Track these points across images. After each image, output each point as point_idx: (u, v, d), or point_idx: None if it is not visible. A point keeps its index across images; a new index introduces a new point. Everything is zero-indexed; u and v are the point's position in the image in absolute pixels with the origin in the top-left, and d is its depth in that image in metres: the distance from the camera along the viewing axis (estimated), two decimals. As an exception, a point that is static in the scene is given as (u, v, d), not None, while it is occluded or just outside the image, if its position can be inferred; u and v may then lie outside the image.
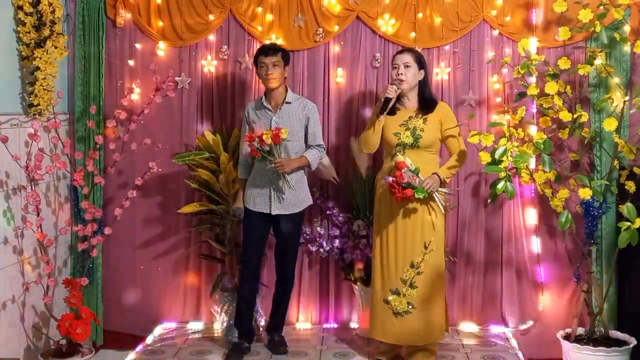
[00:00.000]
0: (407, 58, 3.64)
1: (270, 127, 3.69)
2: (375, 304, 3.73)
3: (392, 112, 3.64)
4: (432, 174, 3.54)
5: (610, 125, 3.69)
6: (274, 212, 3.75)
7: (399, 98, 3.66)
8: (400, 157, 3.57)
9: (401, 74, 3.61)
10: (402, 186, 3.44)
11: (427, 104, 3.68)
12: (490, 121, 4.16)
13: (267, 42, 4.13)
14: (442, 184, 3.58)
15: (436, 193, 3.55)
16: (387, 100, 3.57)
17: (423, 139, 3.59)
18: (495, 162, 3.55)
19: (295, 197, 3.78)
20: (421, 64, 3.68)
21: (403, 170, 3.46)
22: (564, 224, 3.63)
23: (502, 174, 3.57)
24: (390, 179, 3.48)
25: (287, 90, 3.82)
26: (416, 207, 3.60)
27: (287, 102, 3.78)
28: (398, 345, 3.76)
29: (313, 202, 4.31)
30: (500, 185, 3.56)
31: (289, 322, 4.32)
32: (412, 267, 3.62)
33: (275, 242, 3.98)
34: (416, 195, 3.45)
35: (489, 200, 3.83)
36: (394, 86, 3.58)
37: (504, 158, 3.54)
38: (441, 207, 3.60)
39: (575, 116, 3.81)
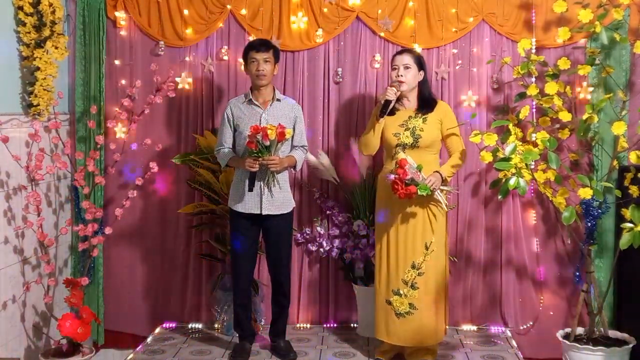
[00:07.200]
0: (407, 59, 3.63)
1: (260, 124, 3.60)
2: (378, 305, 3.72)
3: (392, 112, 3.63)
4: (434, 171, 3.53)
5: (619, 129, 3.70)
6: (264, 212, 3.65)
7: (399, 99, 3.65)
8: (401, 155, 3.56)
9: (401, 75, 3.60)
10: (406, 183, 3.42)
11: (427, 103, 3.68)
12: (490, 121, 4.17)
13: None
14: (444, 182, 3.58)
15: (438, 191, 3.54)
16: (387, 102, 3.56)
17: (423, 139, 3.59)
18: (505, 159, 3.56)
19: (283, 197, 3.71)
20: (421, 64, 3.67)
21: (406, 167, 3.43)
22: (569, 219, 3.61)
23: (513, 170, 3.58)
24: (393, 176, 3.45)
25: (274, 89, 3.78)
26: (417, 208, 3.59)
27: (277, 100, 3.73)
28: (399, 346, 3.75)
29: (313, 202, 4.31)
30: (512, 181, 3.56)
31: (289, 322, 4.31)
32: (413, 267, 3.61)
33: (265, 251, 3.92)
34: (419, 193, 3.42)
35: (499, 197, 3.80)
36: (394, 88, 3.57)
37: (513, 155, 3.56)
38: (444, 205, 3.59)
39: (585, 117, 3.80)
